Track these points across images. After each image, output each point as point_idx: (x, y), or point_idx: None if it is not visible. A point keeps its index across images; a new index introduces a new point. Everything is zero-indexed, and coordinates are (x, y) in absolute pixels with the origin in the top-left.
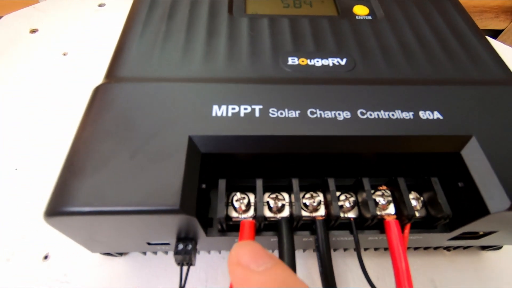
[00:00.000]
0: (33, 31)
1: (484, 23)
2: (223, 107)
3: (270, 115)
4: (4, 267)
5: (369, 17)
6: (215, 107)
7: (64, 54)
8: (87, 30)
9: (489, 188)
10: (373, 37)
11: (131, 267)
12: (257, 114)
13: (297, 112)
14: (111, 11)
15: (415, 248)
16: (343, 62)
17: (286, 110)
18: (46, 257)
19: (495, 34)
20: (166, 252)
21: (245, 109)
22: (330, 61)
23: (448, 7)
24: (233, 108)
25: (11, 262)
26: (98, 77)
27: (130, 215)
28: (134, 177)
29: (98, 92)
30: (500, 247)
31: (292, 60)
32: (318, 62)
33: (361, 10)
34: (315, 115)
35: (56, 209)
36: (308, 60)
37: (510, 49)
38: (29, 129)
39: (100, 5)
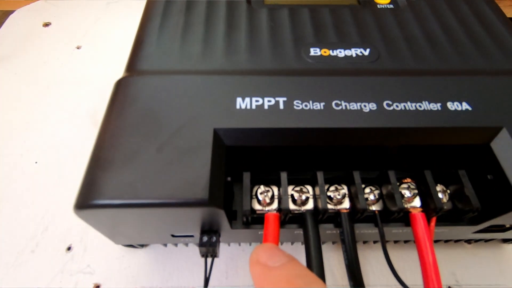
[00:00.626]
0: (46, 24)
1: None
2: (247, 100)
3: (295, 107)
4: (29, 258)
5: (391, 6)
6: (239, 100)
7: (77, 48)
8: (99, 24)
9: None
10: (396, 26)
11: (152, 258)
12: (281, 106)
13: (322, 104)
14: (122, 4)
15: (436, 241)
16: (366, 52)
17: (310, 102)
18: (69, 249)
19: None
20: (186, 244)
21: (269, 101)
22: (353, 52)
23: None
24: (257, 101)
25: (35, 254)
26: (113, 70)
27: (159, 207)
28: (162, 171)
29: (120, 86)
30: None
31: (314, 51)
32: (341, 53)
33: None
34: (340, 107)
35: (86, 202)
36: (331, 51)
37: None
38: (45, 123)
39: None
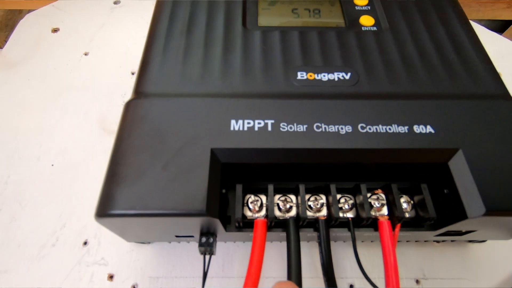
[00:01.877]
0: (55, 30)
1: (496, 13)
2: (240, 122)
3: (281, 129)
4: (49, 252)
5: (375, 28)
6: (233, 122)
7: (85, 54)
8: (104, 30)
9: (469, 196)
10: (376, 50)
11: (157, 252)
12: (269, 128)
13: (305, 126)
14: (125, 9)
15: (408, 241)
16: (347, 76)
17: (295, 124)
18: (85, 243)
19: (507, 24)
20: (188, 241)
21: (259, 123)
22: (335, 76)
23: (452, 18)
24: (248, 123)
25: (56, 247)
26: (119, 77)
27: (165, 217)
28: (167, 186)
29: (129, 108)
30: (484, 240)
31: (301, 75)
32: (324, 77)
33: (367, 21)
34: (320, 129)
35: (105, 211)
36: (316, 75)
37: None
38: (58, 128)
39: (115, 3)
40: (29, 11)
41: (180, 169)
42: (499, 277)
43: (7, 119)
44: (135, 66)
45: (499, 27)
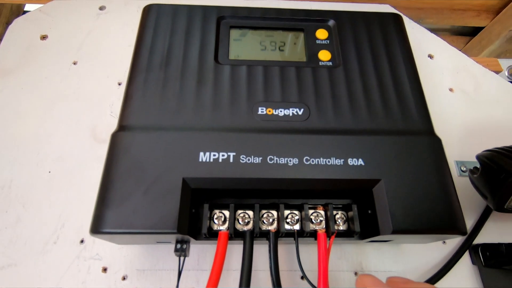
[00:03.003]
0: (43, 37)
1: (466, 21)
2: (207, 154)
3: (241, 161)
4: (52, 248)
5: (330, 63)
6: (201, 154)
7: (74, 63)
8: (91, 37)
9: (383, 217)
10: (328, 86)
11: (143, 249)
12: (231, 160)
13: (260, 158)
14: (111, 16)
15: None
16: (300, 112)
17: (252, 157)
18: (82, 241)
19: (476, 31)
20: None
21: (223, 155)
22: (290, 111)
23: (398, 57)
24: (214, 155)
25: (57, 245)
26: (106, 86)
27: (145, 234)
28: (147, 209)
29: (115, 140)
30: None
31: (261, 110)
32: (281, 112)
33: (324, 56)
34: (272, 161)
35: (97, 229)
36: (274, 110)
37: (471, 61)
38: (53, 137)
39: (100, 8)
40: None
41: (158, 195)
42: (422, 269)
43: (5, 126)
44: (121, 76)
45: (469, 32)
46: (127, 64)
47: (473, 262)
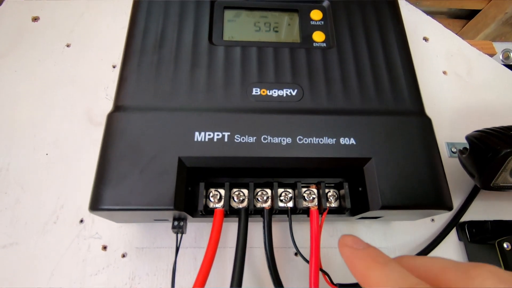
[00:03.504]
0: (35, 19)
1: (463, 3)
2: (202, 134)
3: (235, 140)
4: (52, 228)
5: (324, 44)
6: (196, 134)
7: (67, 46)
8: (84, 19)
9: (373, 194)
10: (321, 67)
11: (141, 228)
12: (226, 139)
13: (254, 138)
14: None
15: (343, 220)
16: (294, 93)
17: (246, 136)
18: (81, 221)
19: (473, 14)
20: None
21: (218, 135)
22: (284, 92)
23: (392, 39)
24: (209, 135)
25: (57, 224)
26: (100, 70)
27: (143, 211)
28: (144, 187)
29: (110, 120)
30: None
31: (255, 91)
32: (275, 93)
33: (318, 37)
34: (266, 141)
35: (96, 206)
36: (268, 91)
37: (466, 44)
38: (49, 120)
39: None
40: None
41: (154, 173)
42: (411, 246)
43: (0, 110)
44: (116, 59)
45: (466, 15)
46: (121, 47)
47: (460, 239)
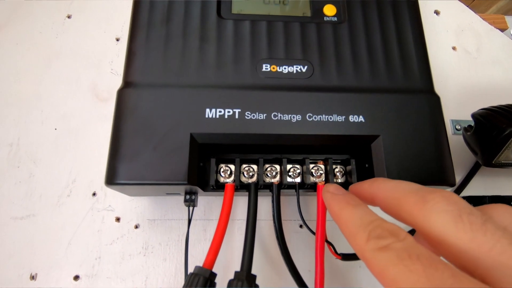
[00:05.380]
0: None
1: None
2: (213, 110)
3: (246, 117)
4: (66, 201)
5: (335, 19)
6: (207, 110)
7: (68, 17)
8: None
9: (379, 171)
10: (332, 43)
11: (153, 201)
12: (236, 116)
13: (264, 115)
14: None
15: None
16: (304, 69)
17: (256, 113)
18: (94, 194)
19: None
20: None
21: (228, 112)
22: (294, 69)
23: (404, 14)
24: (220, 111)
25: (70, 198)
26: (104, 42)
27: (157, 185)
28: (158, 162)
29: (121, 97)
30: None
31: (265, 67)
32: (285, 69)
33: (329, 11)
34: (276, 118)
35: (112, 181)
36: (278, 67)
37: (478, 18)
38: (54, 95)
39: None
40: None
41: (168, 149)
42: None
43: (5, 84)
44: (119, 32)
45: None
46: (123, 19)
47: None
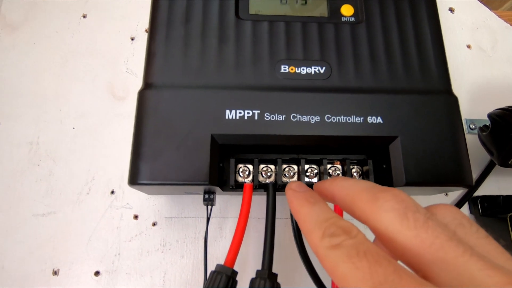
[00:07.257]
0: None
1: None
2: (233, 112)
3: (265, 118)
4: (85, 198)
5: (353, 19)
6: (227, 112)
7: (83, 16)
8: None
9: (397, 172)
10: (350, 44)
11: (170, 199)
12: (256, 117)
13: (283, 116)
14: None
15: None
16: (322, 70)
17: (276, 114)
18: (112, 192)
19: None
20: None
21: (248, 113)
22: (312, 70)
23: (422, 13)
24: (240, 113)
25: (89, 195)
26: (119, 41)
27: (179, 185)
28: (180, 162)
29: (142, 98)
30: None
31: (283, 68)
32: (303, 70)
33: (347, 11)
34: (295, 119)
35: (135, 181)
36: (296, 68)
37: (493, 15)
38: (72, 94)
39: None
40: None
41: (189, 150)
42: None
43: (24, 83)
44: (133, 31)
45: None
46: (138, 18)
47: (471, 212)
